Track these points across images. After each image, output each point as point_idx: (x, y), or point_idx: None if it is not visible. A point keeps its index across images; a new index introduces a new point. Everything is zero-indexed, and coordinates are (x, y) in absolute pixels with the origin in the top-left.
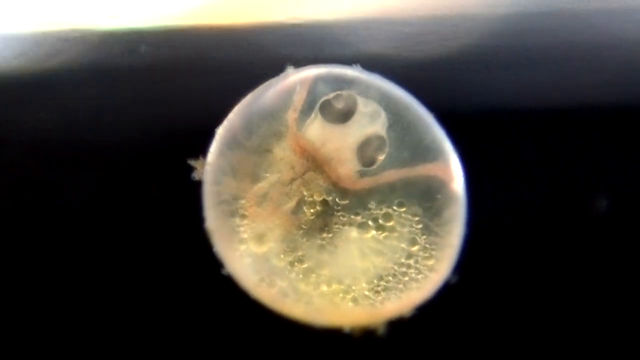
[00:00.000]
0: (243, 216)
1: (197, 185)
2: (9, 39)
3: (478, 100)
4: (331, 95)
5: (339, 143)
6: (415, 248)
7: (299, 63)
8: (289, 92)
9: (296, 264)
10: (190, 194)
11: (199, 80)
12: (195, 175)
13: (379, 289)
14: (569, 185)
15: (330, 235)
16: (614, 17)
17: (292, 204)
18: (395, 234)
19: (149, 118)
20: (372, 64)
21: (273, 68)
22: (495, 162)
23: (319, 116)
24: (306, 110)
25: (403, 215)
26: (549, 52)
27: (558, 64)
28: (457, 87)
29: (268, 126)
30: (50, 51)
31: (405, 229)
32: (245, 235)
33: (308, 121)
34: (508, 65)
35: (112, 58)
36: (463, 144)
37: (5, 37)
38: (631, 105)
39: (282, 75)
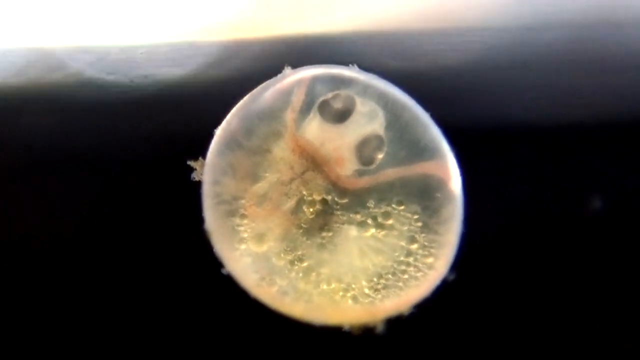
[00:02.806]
0: (243, 216)
1: (197, 186)
2: (9, 54)
3: (478, 110)
4: (329, 96)
5: (338, 143)
6: (414, 246)
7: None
8: (287, 93)
9: (296, 262)
10: (190, 194)
11: (199, 89)
12: (195, 176)
13: (379, 287)
14: (564, 185)
15: (330, 234)
16: (614, 31)
17: (291, 203)
18: (395, 232)
19: (148, 119)
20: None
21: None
22: (492, 165)
23: (318, 116)
24: (304, 111)
25: (402, 213)
26: (550, 64)
27: (558, 75)
28: (459, 99)
29: (267, 127)
30: (52, 66)
31: (405, 227)
32: (245, 235)
33: (306, 121)
34: (509, 77)
35: (110, 74)
36: (462, 152)
37: (5, 53)
38: (630, 118)
39: (280, 76)
